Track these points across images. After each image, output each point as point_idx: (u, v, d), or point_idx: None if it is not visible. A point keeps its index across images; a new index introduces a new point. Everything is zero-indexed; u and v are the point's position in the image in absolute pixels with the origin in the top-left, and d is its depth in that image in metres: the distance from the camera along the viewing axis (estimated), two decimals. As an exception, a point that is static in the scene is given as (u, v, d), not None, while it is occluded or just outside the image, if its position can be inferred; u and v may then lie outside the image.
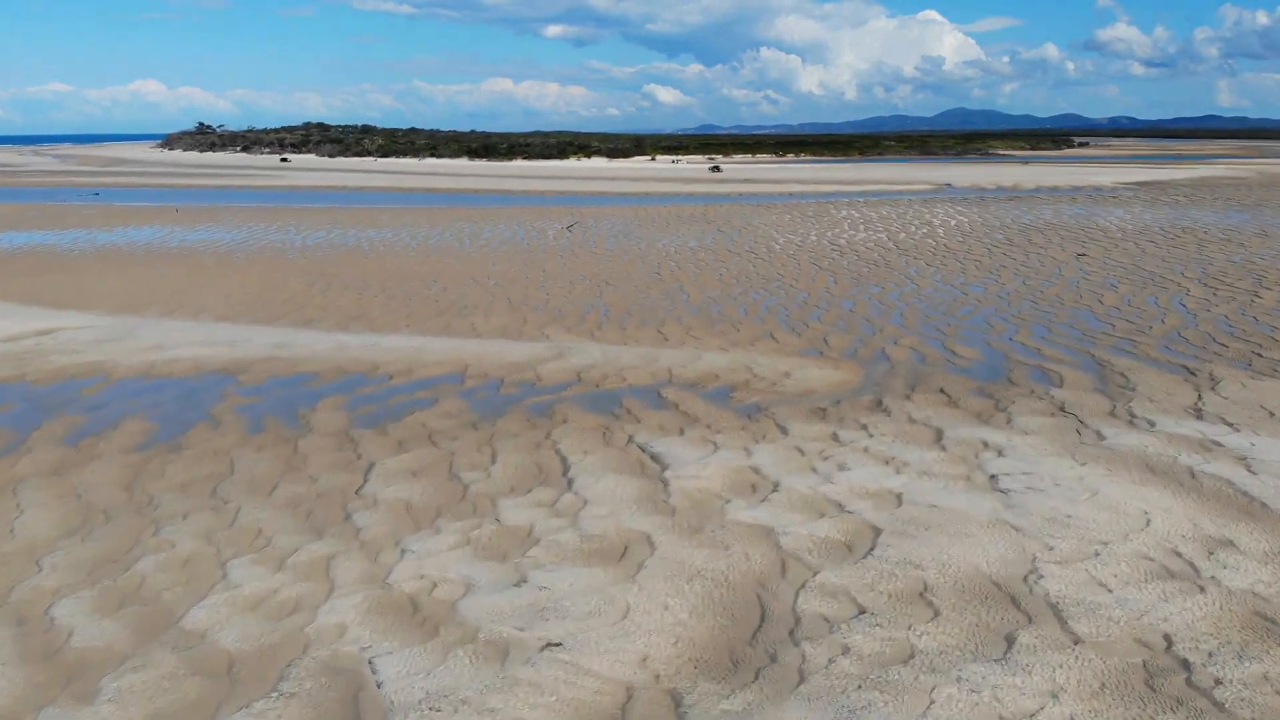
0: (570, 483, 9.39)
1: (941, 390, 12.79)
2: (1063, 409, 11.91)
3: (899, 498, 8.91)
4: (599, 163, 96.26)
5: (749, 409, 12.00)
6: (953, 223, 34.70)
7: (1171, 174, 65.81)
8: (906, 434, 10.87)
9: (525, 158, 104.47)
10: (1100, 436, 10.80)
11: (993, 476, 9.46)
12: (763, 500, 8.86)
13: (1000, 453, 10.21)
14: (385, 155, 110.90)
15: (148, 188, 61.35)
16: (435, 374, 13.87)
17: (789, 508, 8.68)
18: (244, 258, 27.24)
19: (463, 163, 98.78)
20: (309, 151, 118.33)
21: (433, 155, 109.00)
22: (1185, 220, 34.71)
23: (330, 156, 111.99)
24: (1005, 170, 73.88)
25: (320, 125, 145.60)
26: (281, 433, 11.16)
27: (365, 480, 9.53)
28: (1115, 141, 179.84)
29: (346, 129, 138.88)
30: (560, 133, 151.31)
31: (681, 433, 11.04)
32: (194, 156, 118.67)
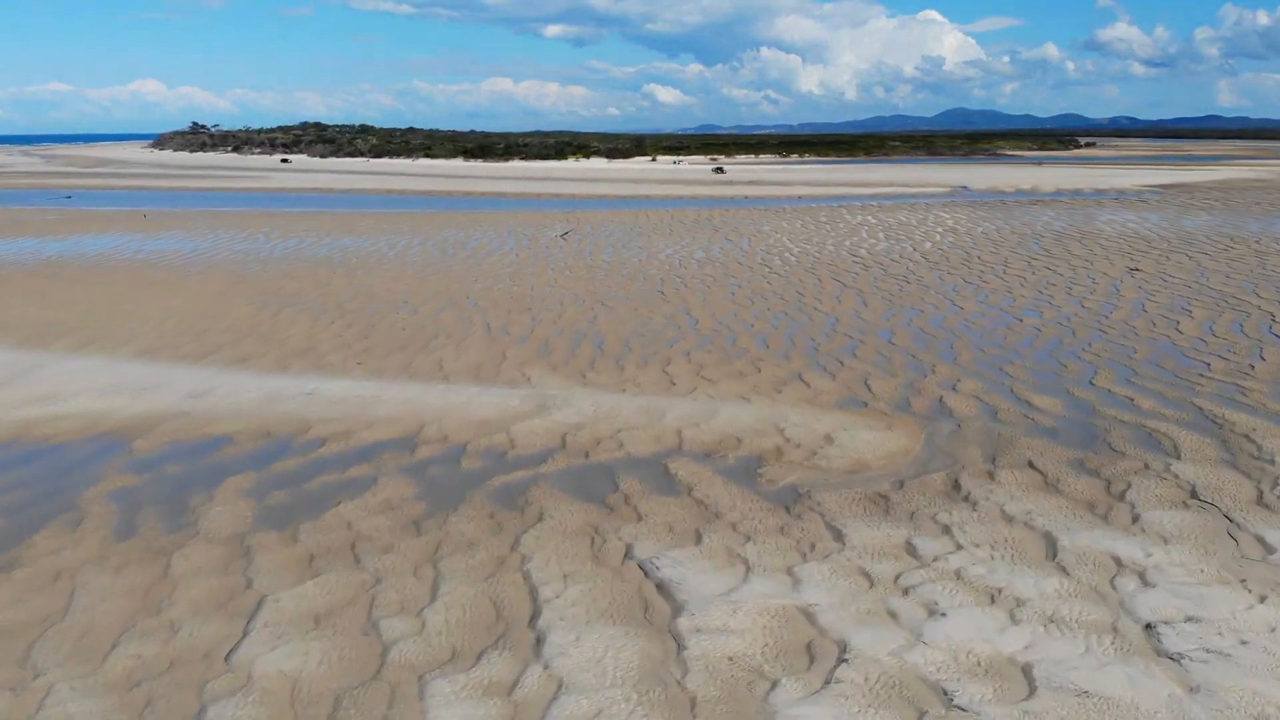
0: (540, 642, 6.46)
1: (1031, 465, 9.90)
2: (1196, 495, 9.05)
3: (1027, 673, 6.00)
4: (598, 163, 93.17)
5: (786, 495, 9.11)
6: (979, 230, 31.82)
7: (1191, 176, 62.88)
8: (1007, 543, 7.98)
9: (523, 158, 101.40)
10: (1265, 546, 7.94)
11: (1149, 626, 6.58)
12: (826, 682, 5.93)
13: (1143, 578, 7.33)
14: (378, 156, 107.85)
15: (126, 190, 58.41)
16: (381, 437, 10.95)
17: (868, 699, 5.75)
18: (198, 272, 24.34)
19: (458, 163, 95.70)
20: (301, 152, 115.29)
21: (427, 156, 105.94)
22: (1229, 228, 31.86)
23: (323, 157, 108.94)
24: (1019, 172, 70.93)
25: (318, 125, 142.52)
26: (155, 540, 8.23)
27: (245, 634, 6.62)
28: (1120, 142, 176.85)
29: (344, 129, 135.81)
30: (559, 133, 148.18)
31: (698, 540, 8.14)
32: (183, 157, 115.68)
